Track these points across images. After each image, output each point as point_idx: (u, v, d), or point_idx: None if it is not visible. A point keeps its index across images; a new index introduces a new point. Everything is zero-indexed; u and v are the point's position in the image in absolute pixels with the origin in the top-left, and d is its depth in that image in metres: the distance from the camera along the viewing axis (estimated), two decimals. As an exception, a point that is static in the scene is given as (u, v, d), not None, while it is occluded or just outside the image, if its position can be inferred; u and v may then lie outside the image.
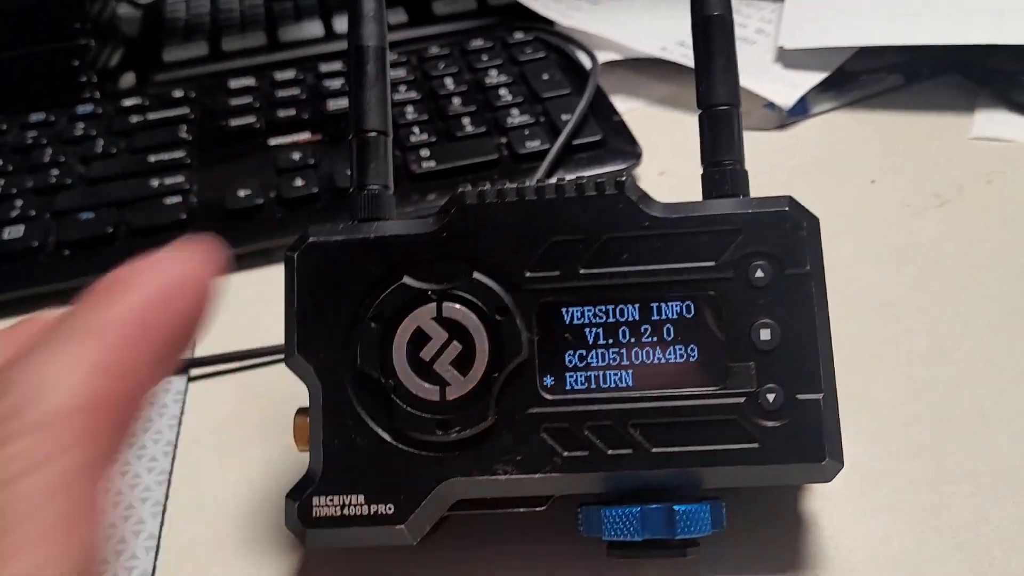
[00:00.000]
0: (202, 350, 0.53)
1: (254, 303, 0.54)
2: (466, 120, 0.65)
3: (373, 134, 0.41)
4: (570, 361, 0.38)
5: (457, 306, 0.38)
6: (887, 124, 0.64)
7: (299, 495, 0.38)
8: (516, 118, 0.65)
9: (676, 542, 0.37)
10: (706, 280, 0.37)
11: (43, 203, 0.61)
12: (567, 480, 0.37)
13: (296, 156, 0.64)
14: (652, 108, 0.70)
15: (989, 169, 0.59)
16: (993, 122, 0.63)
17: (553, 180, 0.39)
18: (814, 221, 0.37)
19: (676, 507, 0.36)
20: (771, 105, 0.66)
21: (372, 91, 0.41)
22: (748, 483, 0.37)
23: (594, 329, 0.38)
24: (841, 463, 0.36)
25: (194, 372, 0.52)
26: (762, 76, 0.68)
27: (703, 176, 0.40)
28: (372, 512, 0.37)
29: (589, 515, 0.37)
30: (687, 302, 0.37)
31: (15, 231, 0.58)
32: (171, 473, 0.46)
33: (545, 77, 0.68)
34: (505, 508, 0.38)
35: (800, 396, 0.36)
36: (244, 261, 0.58)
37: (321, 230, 0.39)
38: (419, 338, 0.38)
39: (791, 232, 0.37)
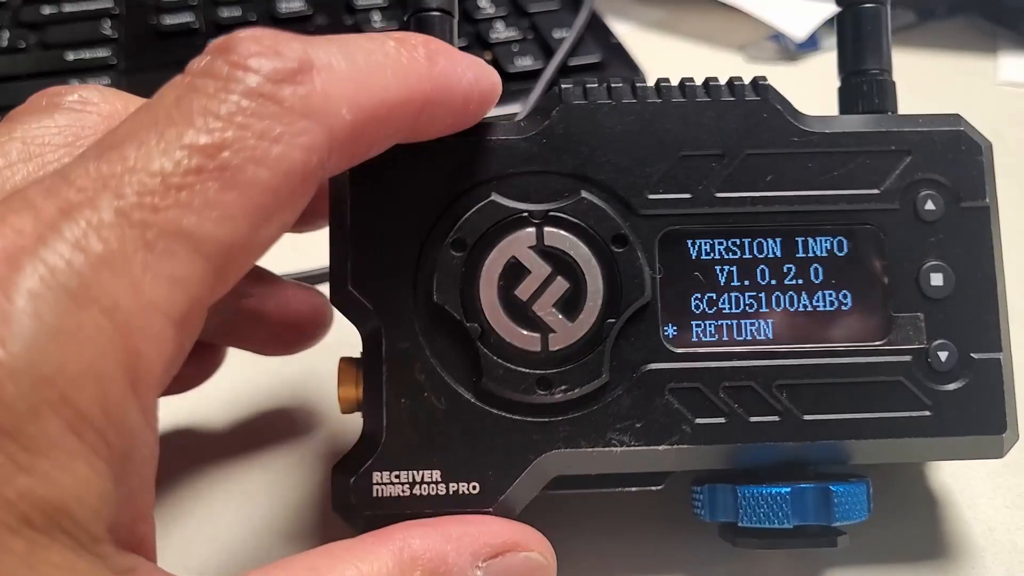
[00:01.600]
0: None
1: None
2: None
3: (436, 13, 0.32)
4: (697, 306, 0.30)
5: (563, 233, 0.30)
6: (903, 64, 0.58)
7: (354, 469, 0.29)
8: (501, 32, 0.57)
9: (825, 529, 0.30)
10: (866, 211, 0.30)
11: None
12: (698, 453, 0.30)
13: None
14: (646, 33, 0.62)
15: (1024, 117, 0.54)
16: (1021, 67, 0.58)
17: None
18: (989, 145, 0.31)
19: (833, 487, 0.29)
20: (776, 36, 0.60)
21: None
22: (909, 458, 0.31)
23: (727, 267, 0.30)
24: (1018, 435, 0.30)
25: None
26: (770, 3, 0.61)
27: (841, 88, 0.33)
28: (451, 491, 0.29)
29: (715, 496, 0.30)
30: (840, 237, 0.31)
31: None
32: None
33: (531, -12, 0.60)
34: (615, 487, 0.31)
35: (976, 355, 0.30)
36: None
37: (381, 129, 0.30)
38: (514, 272, 0.30)
39: (968, 157, 0.31)
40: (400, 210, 0.30)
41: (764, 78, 0.31)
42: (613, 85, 0.31)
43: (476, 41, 0.56)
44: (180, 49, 0.56)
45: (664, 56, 0.60)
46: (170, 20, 0.57)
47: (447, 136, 0.30)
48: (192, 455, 0.36)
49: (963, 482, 0.34)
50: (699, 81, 0.31)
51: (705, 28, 0.61)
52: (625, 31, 0.62)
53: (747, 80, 0.31)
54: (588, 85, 0.31)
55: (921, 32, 0.62)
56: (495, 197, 0.30)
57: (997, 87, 0.56)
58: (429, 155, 0.30)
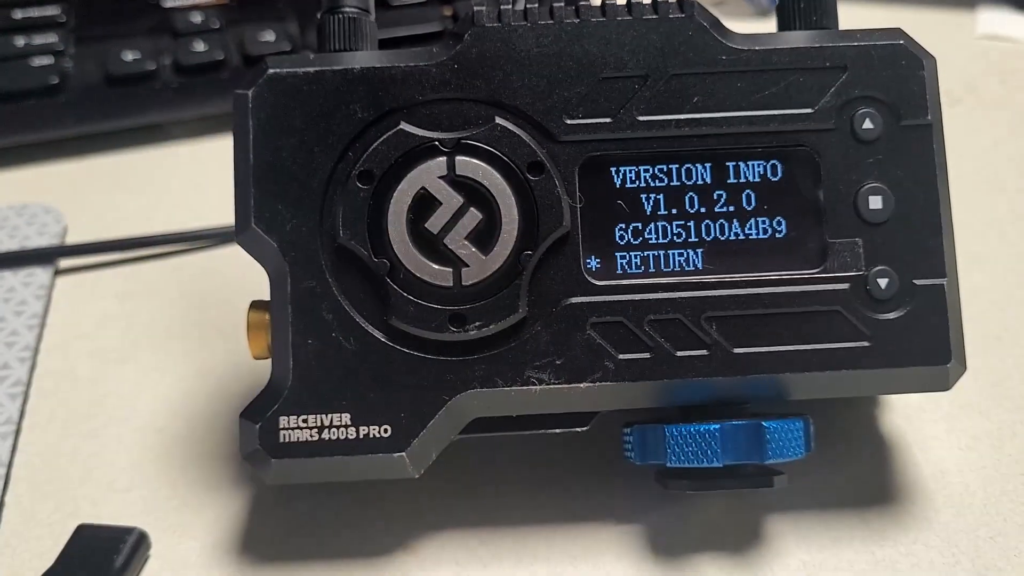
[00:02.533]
0: (74, 237, 0.41)
1: (140, 188, 0.44)
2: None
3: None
4: (621, 237, 0.29)
5: (475, 161, 0.28)
6: (880, 19, 0.56)
7: (260, 414, 0.28)
8: (464, -15, 0.55)
9: (760, 469, 0.29)
10: (799, 132, 0.29)
11: None
12: (621, 391, 0.28)
13: (197, 19, 0.52)
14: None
15: (1002, 68, 0.51)
16: (999, 20, 0.56)
17: None
18: (932, 61, 0.29)
19: (765, 424, 0.28)
20: (752, -8, 0.58)
21: None
22: (850, 392, 0.29)
23: (653, 195, 0.29)
24: (964, 366, 0.28)
25: (63, 263, 0.40)
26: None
27: (780, 5, 0.31)
28: (361, 435, 0.28)
29: (645, 436, 0.29)
30: (773, 160, 0.29)
31: None
32: (28, 385, 0.35)
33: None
34: (536, 429, 0.29)
35: (918, 281, 0.28)
36: (129, 138, 0.47)
37: (284, 60, 0.29)
38: (424, 204, 0.28)
39: (908, 72, 0.29)
40: (305, 142, 0.28)
41: (687, -7, 0.29)
42: (529, 6, 0.29)
43: (438, -5, 0.54)
44: (134, 10, 0.54)
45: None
46: (126, -22, 0.56)
47: (353, 65, 0.28)
48: (105, 396, 0.35)
49: (916, 424, 0.32)
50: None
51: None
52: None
53: (673, -3, 0.29)
54: (503, 7, 0.29)
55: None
56: (404, 126, 0.28)
57: (974, 40, 0.54)
58: (336, 83, 0.28)
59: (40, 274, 0.40)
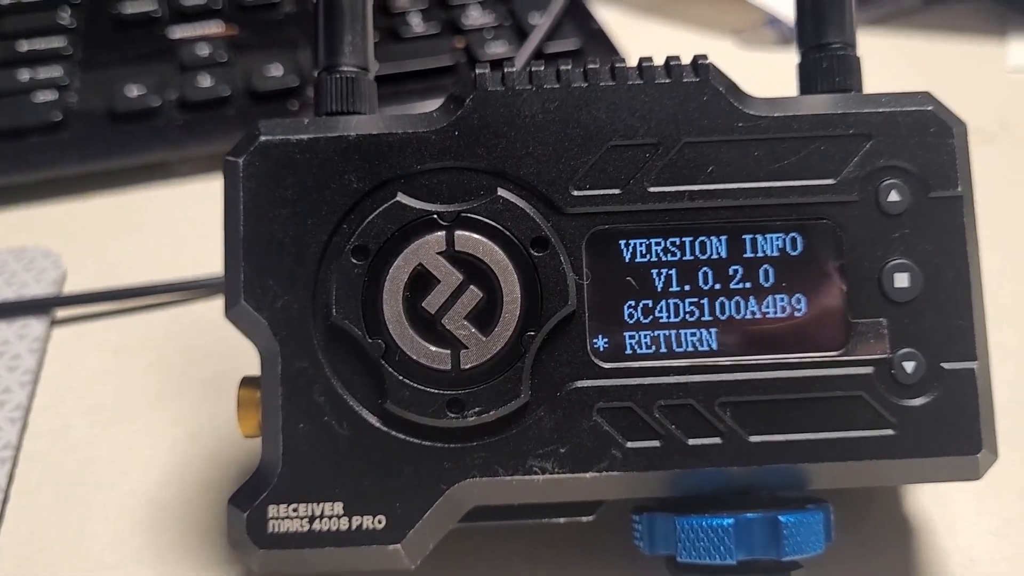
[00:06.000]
0: (72, 285, 0.40)
1: (144, 230, 0.43)
2: (415, 18, 0.54)
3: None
4: (631, 315, 0.27)
5: (476, 236, 0.27)
6: (910, 49, 0.54)
7: (249, 501, 0.26)
8: (476, 19, 0.53)
9: (777, 564, 0.27)
10: (821, 204, 0.27)
11: None
12: (629, 481, 0.27)
13: (204, 52, 0.51)
14: (635, 18, 0.58)
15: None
16: (1031, 52, 0.54)
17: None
18: (962, 127, 0.27)
19: (782, 518, 0.26)
20: (773, 21, 0.56)
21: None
22: (873, 482, 0.27)
23: (665, 270, 0.27)
24: (995, 454, 0.27)
25: (60, 313, 0.39)
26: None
27: (801, 65, 0.30)
28: (354, 526, 0.26)
29: (654, 526, 0.27)
30: (793, 234, 0.27)
31: None
32: (18, 449, 0.34)
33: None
34: (538, 518, 0.28)
35: (947, 365, 0.27)
36: (133, 176, 0.46)
37: (277, 125, 0.27)
38: (421, 281, 0.27)
39: (937, 140, 0.27)
40: (298, 214, 0.27)
41: (705, 56, 0.28)
42: (534, 69, 0.27)
43: (449, 28, 0.53)
44: (141, 40, 0.53)
45: (652, 42, 0.56)
46: (131, 8, 0.55)
47: (348, 132, 0.27)
48: (95, 460, 0.33)
49: (943, 506, 0.31)
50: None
51: (698, 13, 0.57)
52: (612, 16, 0.58)
53: (693, 60, 0.28)
54: (507, 70, 0.27)
55: (927, 15, 0.57)
56: (401, 197, 0.27)
57: (1007, 74, 0.52)
58: (330, 152, 0.27)
59: (35, 325, 0.39)
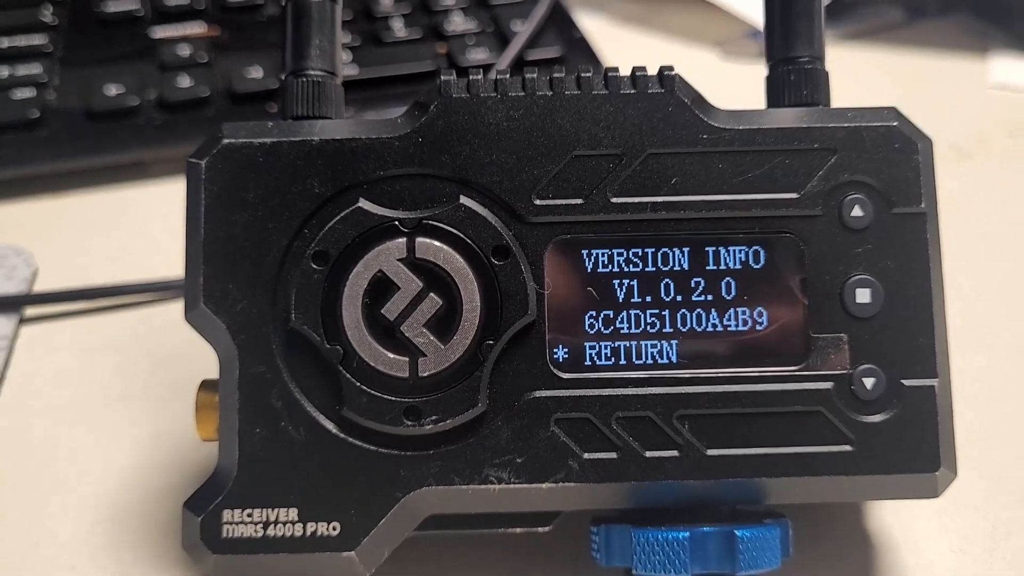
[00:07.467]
0: (43, 283, 0.40)
1: (118, 229, 0.43)
2: (397, 23, 0.53)
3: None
4: (591, 326, 0.27)
5: (436, 243, 0.27)
6: (891, 64, 0.54)
7: (203, 505, 0.26)
8: (459, 24, 0.53)
9: (732, 578, 0.27)
10: (784, 217, 0.27)
11: None
12: (586, 492, 0.26)
13: (185, 52, 0.51)
14: (619, 27, 0.58)
15: (1013, 120, 0.49)
16: (1013, 69, 0.54)
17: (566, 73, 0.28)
18: (928, 143, 0.27)
19: (737, 532, 0.26)
20: (755, 33, 0.56)
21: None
22: (830, 498, 0.27)
23: (626, 281, 0.27)
24: (954, 472, 0.27)
25: (29, 312, 0.39)
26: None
27: (769, 78, 0.30)
28: (308, 532, 0.26)
29: (610, 538, 0.27)
30: (756, 247, 0.27)
31: None
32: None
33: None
34: (495, 528, 0.28)
35: (907, 381, 0.26)
36: (109, 176, 0.46)
37: (241, 128, 0.27)
38: (381, 288, 0.27)
39: (902, 156, 0.27)
40: (259, 218, 0.27)
41: (671, 68, 0.27)
42: (500, 77, 0.27)
43: (431, 33, 0.53)
44: (123, 39, 0.53)
45: (635, 52, 0.56)
46: (115, 7, 0.55)
47: (312, 136, 0.27)
48: (55, 460, 0.33)
49: (905, 523, 0.30)
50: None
51: (682, 23, 0.57)
52: (595, 25, 0.58)
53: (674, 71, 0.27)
54: (472, 77, 0.27)
55: (909, 31, 0.57)
56: (362, 203, 0.27)
57: (987, 90, 0.52)
58: (293, 156, 0.27)
59: (4, 323, 0.38)
